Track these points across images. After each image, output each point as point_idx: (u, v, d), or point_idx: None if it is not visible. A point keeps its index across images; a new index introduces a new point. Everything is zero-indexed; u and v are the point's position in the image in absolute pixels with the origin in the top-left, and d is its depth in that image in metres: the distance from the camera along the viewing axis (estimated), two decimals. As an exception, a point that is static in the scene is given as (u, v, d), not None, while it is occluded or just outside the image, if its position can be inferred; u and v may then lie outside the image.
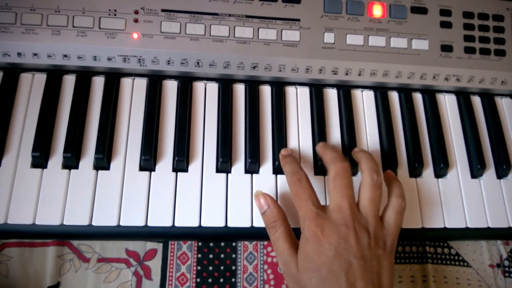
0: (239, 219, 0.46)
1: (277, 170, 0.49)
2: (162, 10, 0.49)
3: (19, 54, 0.48)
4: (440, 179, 0.52)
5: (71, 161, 0.46)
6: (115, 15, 0.48)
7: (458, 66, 0.54)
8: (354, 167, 0.47)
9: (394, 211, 0.43)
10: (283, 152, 0.48)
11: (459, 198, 0.51)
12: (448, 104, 0.56)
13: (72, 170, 0.46)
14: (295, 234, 0.43)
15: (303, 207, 0.41)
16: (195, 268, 0.51)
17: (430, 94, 0.56)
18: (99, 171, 0.46)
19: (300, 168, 0.45)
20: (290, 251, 0.41)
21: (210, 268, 0.51)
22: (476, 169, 0.52)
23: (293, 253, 0.41)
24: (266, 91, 0.53)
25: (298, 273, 0.40)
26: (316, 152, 0.49)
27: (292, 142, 0.51)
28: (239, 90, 0.53)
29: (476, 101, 0.57)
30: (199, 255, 0.51)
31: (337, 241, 0.38)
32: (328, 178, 0.43)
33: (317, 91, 0.54)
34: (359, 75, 0.53)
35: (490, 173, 0.53)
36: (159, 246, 0.51)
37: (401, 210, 0.43)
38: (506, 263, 0.55)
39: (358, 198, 0.43)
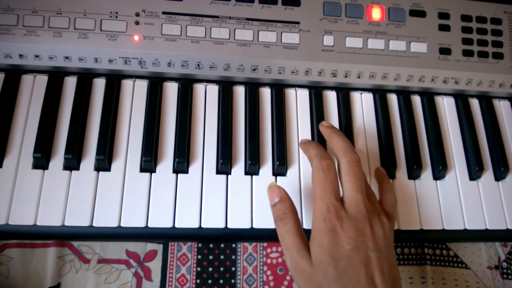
0: (239, 221, 0.47)
1: (277, 172, 0.49)
2: (163, 13, 0.49)
3: (20, 55, 0.48)
4: (438, 181, 0.52)
5: (72, 162, 0.46)
6: (116, 17, 0.49)
7: (456, 69, 0.54)
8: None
9: (391, 205, 0.45)
10: (308, 143, 0.47)
11: (458, 200, 0.52)
12: (447, 107, 0.57)
13: (73, 171, 0.46)
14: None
15: (325, 198, 0.40)
16: (195, 269, 0.51)
17: (428, 97, 0.56)
18: (100, 172, 0.47)
19: (329, 155, 0.43)
20: (301, 246, 0.40)
21: (210, 269, 0.51)
22: (474, 171, 0.53)
23: (303, 248, 0.39)
24: (266, 93, 0.54)
25: (311, 268, 0.39)
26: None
27: (292, 144, 0.51)
28: (239, 92, 0.53)
29: (474, 103, 0.58)
30: (199, 256, 0.51)
31: (355, 234, 0.38)
32: (339, 170, 0.42)
33: (316, 93, 0.54)
34: (358, 77, 0.53)
35: (488, 175, 0.54)
36: (159, 247, 0.51)
37: (396, 204, 0.46)
38: (504, 264, 0.56)
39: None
